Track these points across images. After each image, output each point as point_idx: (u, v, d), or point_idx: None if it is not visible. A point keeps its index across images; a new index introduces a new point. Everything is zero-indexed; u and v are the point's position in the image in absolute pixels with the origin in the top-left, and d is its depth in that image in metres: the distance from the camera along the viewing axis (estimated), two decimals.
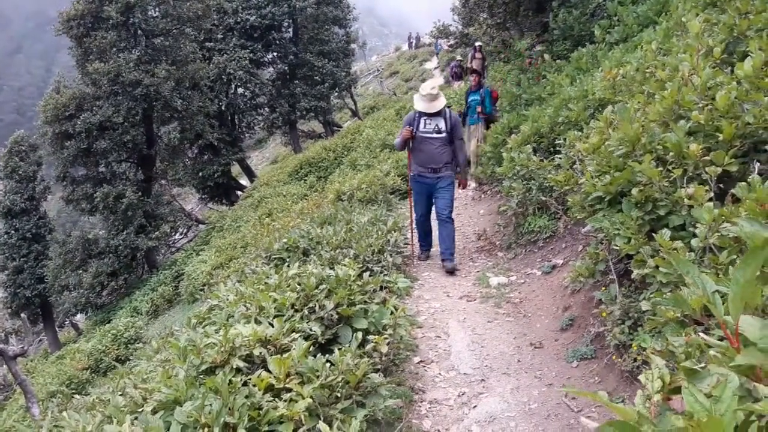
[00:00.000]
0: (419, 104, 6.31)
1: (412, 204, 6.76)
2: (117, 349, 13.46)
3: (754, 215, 2.07)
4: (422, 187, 6.50)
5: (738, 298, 0.80)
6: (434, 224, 6.82)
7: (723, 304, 0.92)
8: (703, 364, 0.91)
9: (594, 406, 3.19)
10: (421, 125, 6.34)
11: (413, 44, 52.32)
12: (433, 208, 6.61)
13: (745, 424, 0.74)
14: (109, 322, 16.13)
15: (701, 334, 1.00)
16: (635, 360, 3.07)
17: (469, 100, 10.30)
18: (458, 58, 22.53)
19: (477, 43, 16.42)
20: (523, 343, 4.40)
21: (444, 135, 6.28)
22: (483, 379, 3.95)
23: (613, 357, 3.39)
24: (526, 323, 4.77)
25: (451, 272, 6.29)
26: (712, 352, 0.88)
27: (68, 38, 19.83)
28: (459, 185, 6.75)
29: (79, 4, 18.97)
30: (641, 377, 0.97)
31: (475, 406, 3.64)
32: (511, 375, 3.96)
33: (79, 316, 23.04)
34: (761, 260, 0.79)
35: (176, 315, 14.11)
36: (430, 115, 6.29)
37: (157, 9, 20.17)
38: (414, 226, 7.00)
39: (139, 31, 19.93)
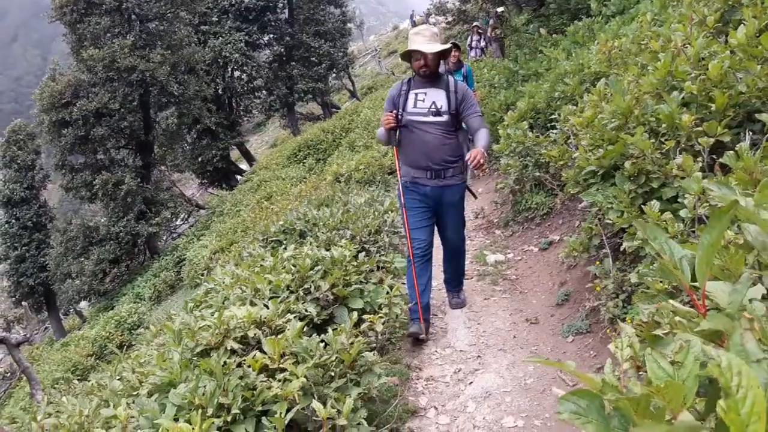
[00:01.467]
0: (414, 42, 4.02)
1: (408, 227, 4.27)
2: (121, 335, 13.57)
3: (743, 184, 2.05)
4: (420, 200, 4.19)
5: (704, 262, 0.79)
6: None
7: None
8: (666, 331, 0.90)
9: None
10: (410, 103, 4.09)
11: (416, 23, 51.83)
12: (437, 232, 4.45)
13: (715, 391, 0.72)
14: (112, 309, 16.24)
15: (671, 301, 0.99)
16: (636, 328, 3.06)
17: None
18: (476, 24, 20.30)
19: (474, 23, 16.07)
20: (519, 319, 4.40)
21: (446, 118, 4.02)
22: (479, 356, 3.96)
23: (608, 331, 3.39)
24: (523, 299, 4.77)
25: (457, 307, 4.69)
26: (677, 318, 0.87)
27: (62, 25, 19.68)
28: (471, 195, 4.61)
29: None
30: (610, 346, 0.97)
31: (471, 383, 3.65)
32: (507, 351, 3.96)
33: (83, 304, 23.20)
34: (727, 223, 0.77)
35: (179, 300, 14.17)
36: (424, 86, 4.09)
37: None
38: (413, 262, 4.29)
39: (133, 16, 19.78)
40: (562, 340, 3.90)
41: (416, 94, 4.07)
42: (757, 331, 0.68)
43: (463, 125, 4.14)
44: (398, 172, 4.30)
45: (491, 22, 14.38)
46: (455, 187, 4.14)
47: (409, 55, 4.04)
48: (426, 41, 3.95)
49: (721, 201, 0.84)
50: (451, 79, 4.10)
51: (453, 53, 7.97)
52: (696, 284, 0.88)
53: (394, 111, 4.08)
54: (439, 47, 3.94)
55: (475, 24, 15.54)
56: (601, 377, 0.79)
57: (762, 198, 0.81)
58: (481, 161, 3.66)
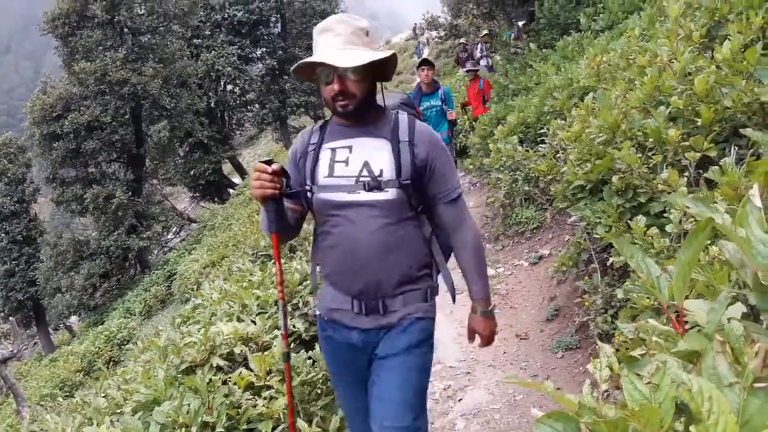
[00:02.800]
0: (319, 49, 1.90)
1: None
2: (110, 351, 13.41)
3: (728, 199, 2.04)
4: (344, 360, 2.15)
5: (681, 280, 0.78)
6: None
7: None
8: (643, 351, 0.89)
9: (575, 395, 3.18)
10: (321, 168, 1.99)
11: (418, 35, 51.98)
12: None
13: (690, 416, 0.71)
14: (102, 324, 16.08)
15: (650, 320, 0.98)
16: (618, 349, 3.04)
17: (422, 107, 6.66)
18: (461, 40, 19.52)
19: (461, 40, 15.94)
20: (509, 334, 4.38)
21: (392, 195, 1.91)
22: (469, 372, 3.94)
23: (596, 346, 3.37)
24: (513, 314, 4.75)
25: None
26: (654, 338, 0.86)
27: (54, 38, 19.68)
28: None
29: (64, 2, 18.86)
30: (589, 366, 0.95)
31: (460, 399, 3.62)
32: (497, 367, 3.94)
33: (72, 318, 22.96)
34: (703, 241, 0.76)
35: (169, 315, 14.05)
36: (346, 134, 2.00)
37: (143, 6, 20.07)
38: None
39: (125, 29, 19.81)
40: (551, 355, 3.88)
41: (333, 151, 1.99)
42: (729, 354, 0.67)
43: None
44: (314, 293, 2.58)
45: (513, 34, 13.90)
46: (411, 327, 2.00)
47: (309, 74, 1.97)
48: (341, 45, 1.86)
49: (699, 218, 0.83)
50: (403, 117, 2.00)
51: (425, 72, 6.57)
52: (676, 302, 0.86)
53: (278, 184, 1.92)
54: (365, 56, 1.84)
55: (485, 33, 15.24)
56: (578, 399, 0.77)
57: (741, 216, 0.80)
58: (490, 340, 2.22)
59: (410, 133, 1.93)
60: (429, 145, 1.92)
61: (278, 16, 27.31)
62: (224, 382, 2.97)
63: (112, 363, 12.55)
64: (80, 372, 13.05)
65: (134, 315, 16.02)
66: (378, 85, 1.97)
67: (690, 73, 3.52)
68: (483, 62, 13.88)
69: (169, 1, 20.02)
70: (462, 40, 17.71)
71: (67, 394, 11.24)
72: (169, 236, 25.33)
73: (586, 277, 3.75)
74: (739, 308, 0.87)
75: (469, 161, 9.43)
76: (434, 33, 23.71)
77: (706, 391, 0.59)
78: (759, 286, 0.75)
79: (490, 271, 5.81)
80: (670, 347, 0.81)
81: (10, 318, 22.31)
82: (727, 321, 0.78)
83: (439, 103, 6.75)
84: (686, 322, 0.93)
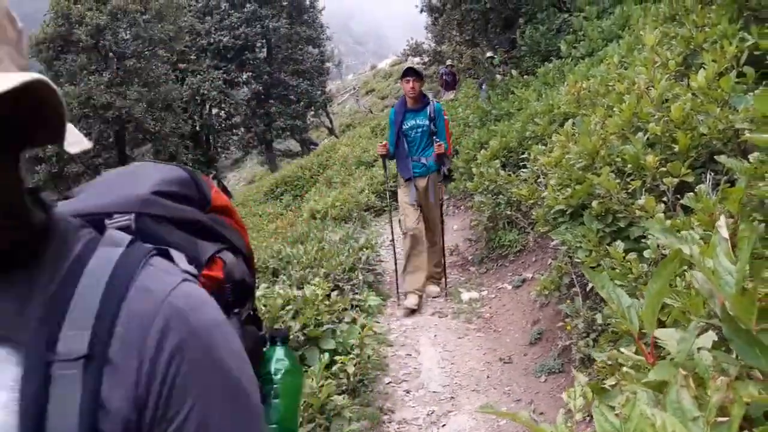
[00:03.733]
0: None
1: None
2: None
3: (704, 225, 2.08)
4: None
5: (650, 311, 0.79)
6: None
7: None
8: (615, 381, 0.89)
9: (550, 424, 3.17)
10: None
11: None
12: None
13: None
14: None
15: (622, 349, 0.99)
16: (599, 373, 3.05)
17: (405, 126, 5.66)
18: (449, 62, 18.56)
19: (448, 62, 16.11)
20: (492, 358, 4.37)
21: None
22: (452, 397, 3.91)
23: (579, 371, 3.37)
24: (496, 338, 4.74)
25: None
26: (625, 368, 0.86)
27: (38, 62, 19.63)
28: None
29: (49, 27, 18.84)
30: (563, 395, 0.95)
31: (444, 425, 3.60)
32: (481, 392, 3.92)
33: None
34: (672, 272, 0.77)
35: None
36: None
37: (128, 31, 20.11)
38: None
39: (110, 54, 19.83)
40: (534, 379, 3.88)
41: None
42: (693, 387, 0.68)
43: None
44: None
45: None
46: None
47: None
48: None
49: (669, 248, 0.85)
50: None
51: (411, 84, 5.56)
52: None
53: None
54: None
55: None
56: (550, 429, 0.77)
57: (709, 247, 0.81)
58: None
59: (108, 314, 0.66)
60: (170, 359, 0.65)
61: (264, 41, 27.55)
62: None
63: None
64: None
65: None
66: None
67: (667, 100, 3.60)
68: (484, 87, 13.92)
69: (154, 26, 20.09)
70: (449, 62, 17.35)
71: None
72: None
73: (568, 301, 3.76)
74: (710, 337, 0.88)
75: (452, 185, 9.49)
76: (417, 59, 23.99)
77: (670, 425, 0.59)
78: (727, 317, 0.76)
79: (475, 294, 5.82)
80: (641, 377, 0.82)
81: None
82: (697, 351, 0.79)
83: (427, 123, 5.54)
84: (660, 348, 0.94)
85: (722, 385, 0.64)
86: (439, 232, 5.93)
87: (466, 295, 5.81)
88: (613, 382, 0.89)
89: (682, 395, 0.66)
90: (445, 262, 6.13)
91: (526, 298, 5.17)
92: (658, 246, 2.30)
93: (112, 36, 19.30)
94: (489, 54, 13.64)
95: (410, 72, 5.52)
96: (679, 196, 3.04)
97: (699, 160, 3.23)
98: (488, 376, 4.12)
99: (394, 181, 6.29)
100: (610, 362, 1.13)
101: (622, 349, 1.02)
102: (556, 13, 11.55)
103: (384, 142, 5.79)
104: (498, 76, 11.69)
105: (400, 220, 5.72)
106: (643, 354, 0.83)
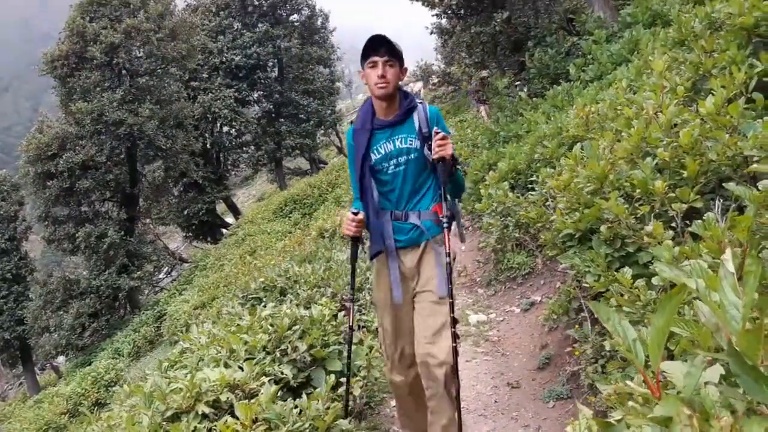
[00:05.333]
0: None
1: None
2: (97, 393, 13.15)
3: (713, 253, 2.07)
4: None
5: (655, 345, 0.79)
6: None
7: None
8: (619, 416, 0.89)
9: None
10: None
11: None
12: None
13: None
14: (90, 364, 15.80)
15: (628, 382, 0.99)
16: (608, 400, 3.02)
17: (375, 155, 3.01)
18: (484, 73, 15.24)
19: (483, 73, 14.51)
20: (500, 383, 4.34)
21: None
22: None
23: (587, 397, 3.34)
24: (504, 362, 4.71)
25: None
26: (630, 403, 0.86)
27: (52, 78, 19.91)
28: None
29: (64, 44, 19.14)
30: (568, 428, 0.95)
31: None
32: (488, 417, 3.89)
33: (60, 359, 22.56)
34: (677, 306, 0.78)
35: (158, 356, 13.84)
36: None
37: (141, 49, 20.37)
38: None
39: (123, 71, 20.08)
40: (543, 405, 3.84)
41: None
42: (696, 427, 0.68)
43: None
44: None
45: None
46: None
47: None
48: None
49: (672, 281, 0.85)
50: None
51: (380, 69, 2.84)
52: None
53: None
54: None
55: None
56: None
57: (714, 281, 0.81)
58: None
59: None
60: None
61: (275, 61, 27.84)
62: (209, 431, 2.92)
63: (98, 405, 12.29)
64: (65, 414, 12.77)
65: (123, 356, 15.76)
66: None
67: (675, 126, 3.60)
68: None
69: (167, 44, 20.35)
70: (485, 74, 14.50)
71: None
72: (160, 276, 25.15)
73: (577, 326, 3.74)
74: (717, 371, 0.88)
75: (461, 205, 9.49)
76: (418, 85, 24.05)
77: None
78: (733, 352, 0.76)
79: (482, 317, 5.79)
80: (647, 412, 0.82)
81: None
82: (704, 385, 0.79)
83: (416, 144, 2.94)
84: (666, 379, 0.94)
85: (726, 425, 0.64)
86: (450, 366, 2.89)
87: (473, 318, 5.79)
88: (619, 417, 0.88)
89: None
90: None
91: (534, 322, 5.14)
92: None
93: (125, 54, 19.56)
94: (484, 74, 13.41)
95: (379, 41, 2.83)
96: (687, 222, 3.04)
97: (708, 186, 3.22)
98: (496, 401, 4.08)
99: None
100: (613, 395, 1.13)
101: (628, 382, 1.01)
102: (565, 36, 11.63)
103: (355, 211, 3.10)
104: (507, 99, 11.74)
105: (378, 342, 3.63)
106: (649, 388, 0.83)
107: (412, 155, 2.96)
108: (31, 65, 24.08)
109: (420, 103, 3.00)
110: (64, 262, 27.77)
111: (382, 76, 2.83)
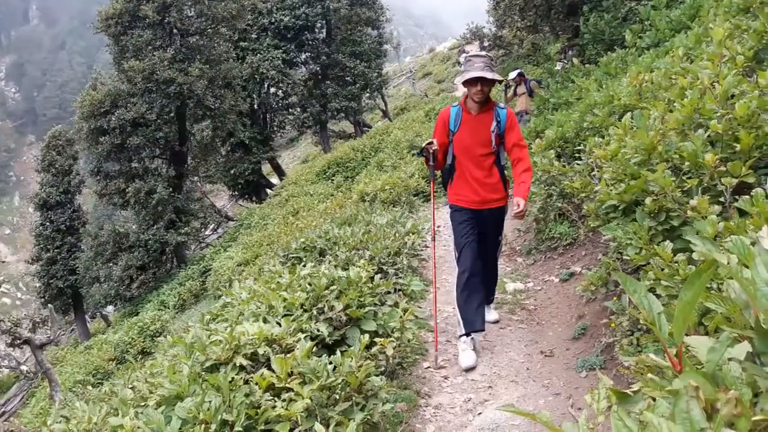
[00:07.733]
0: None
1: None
2: (142, 342, 13.71)
3: (758, 230, 2.00)
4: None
5: (680, 320, 0.77)
6: None
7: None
8: (637, 388, 0.88)
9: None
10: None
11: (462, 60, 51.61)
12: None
13: None
14: (136, 315, 16.46)
15: (651, 354, 0.97)
16: (642, 372, 2.99)
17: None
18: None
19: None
20: (533, 351, 4.34)
21: None
22: (490, 386, 3.91)
23: (619, 368, 3.31)
24: (539, 331, 4.70)
25: None
26: (649, 375, 0.85)
27: (106, 36, 20.28)
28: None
29: (117, 3, 19.38)
30: (586, 397, 0.95)
31: (480, 413, 3.60)
32: (519, 383, 3.91)
33: (109, 308, 23.56)
34: (705, 282, 0.76)
35: (201, 309, 14.30)
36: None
37: (192, 8, 20.47)
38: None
39: (175, 30, 20.26)
40: (575, 374, 3.83)
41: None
42: (702, 399, 0.67)
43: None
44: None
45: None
46: None
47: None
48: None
49: (704, 257, 0.83)
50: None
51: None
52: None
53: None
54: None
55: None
56: (574, 430, 0.78)
57: (747, 257, 0.79)
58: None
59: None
60: None
61: (324, 22, 27.60)
62: (246, 382, 3.03)
63: (143, 354, 12.85)
64: (113, 361, 13.39)
65: (168, 308, 16.35)
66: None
67: (732, 97, 3.44)
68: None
69: (218, 4, 20.40)
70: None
71: (99, 381, 11.54)
72: (206, 232, 25.80)
73: (615, 298, 3.69)
74: (744, 348, 0.86)
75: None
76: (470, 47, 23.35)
77: None
78: (761, 329, 0.74)
79: (520, 286, 5.76)
80: (664, 385, 0.81)
81: (49, 305, 23.05)
82: (727, 361, 0.77)
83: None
84: (691, 354, 0.92)
85: (732, 398, 0.63)
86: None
87: (511, 286, 5.76)
88: (637, 388, 0.88)
89: (692, 406, 0.65)
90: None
91: (572, 292, 5.09)
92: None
93: (177, 13, 19.71)
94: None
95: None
96: (737, 197, 2.93)
97: (762, 161, 3.09)
98: (528, 368, 4.09)
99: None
100: (636, 367, 1.12)
101: (651, 354, 1.00)
102: (623, 0, 11.16)
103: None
104: (558, 65, 11.39)
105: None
106: (670, 361, 0.82)
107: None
108: (87, 23, 24.59)
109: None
110: (114, 216, 28.79)
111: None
